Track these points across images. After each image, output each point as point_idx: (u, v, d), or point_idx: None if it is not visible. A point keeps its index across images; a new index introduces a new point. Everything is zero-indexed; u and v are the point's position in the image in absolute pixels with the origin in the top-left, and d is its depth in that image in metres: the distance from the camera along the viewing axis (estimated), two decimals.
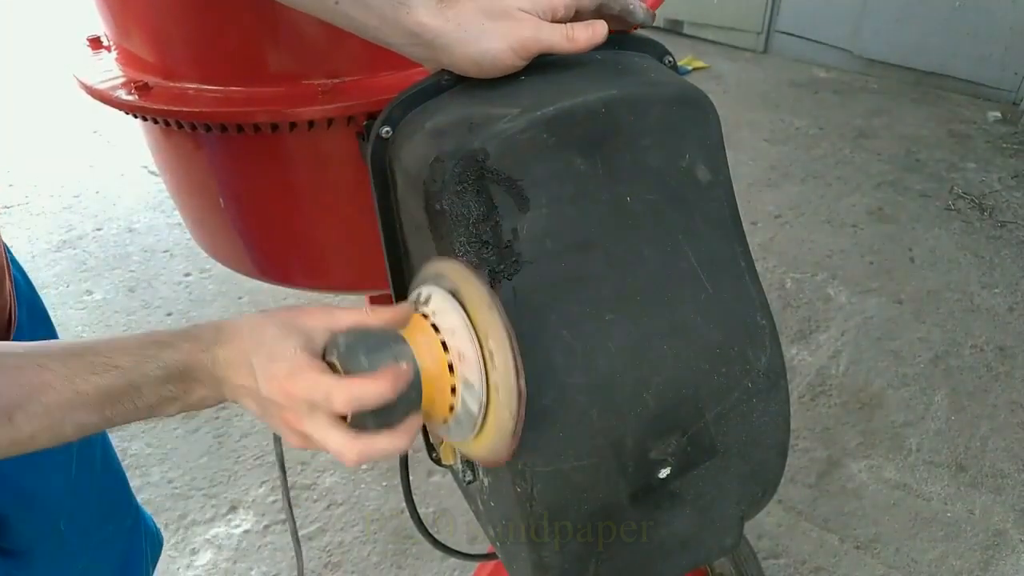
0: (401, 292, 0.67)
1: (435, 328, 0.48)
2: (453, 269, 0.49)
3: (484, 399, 0.47)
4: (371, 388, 0.45)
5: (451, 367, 0.47)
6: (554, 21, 0.56)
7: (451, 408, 0.49)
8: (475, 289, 0.47)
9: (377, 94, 0.69)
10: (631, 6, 0.60)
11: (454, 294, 0.48)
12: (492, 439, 0.48)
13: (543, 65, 0.58)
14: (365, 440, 0.47)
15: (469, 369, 0.47)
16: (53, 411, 0.47)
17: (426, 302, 0.50)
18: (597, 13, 0.59)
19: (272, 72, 0.72)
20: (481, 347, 0.46)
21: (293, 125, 0.70)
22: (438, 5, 0.54)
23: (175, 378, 0.49)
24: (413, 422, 0.48)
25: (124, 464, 1.69)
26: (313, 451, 0.57)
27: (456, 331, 0.47)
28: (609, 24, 0.58)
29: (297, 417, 0.48)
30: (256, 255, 0.90)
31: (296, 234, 0.84)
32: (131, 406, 0.49)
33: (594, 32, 0.57)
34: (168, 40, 0.76)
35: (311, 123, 0.69)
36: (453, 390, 0.48)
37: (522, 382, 0.45)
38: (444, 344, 0.48)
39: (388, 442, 0.48)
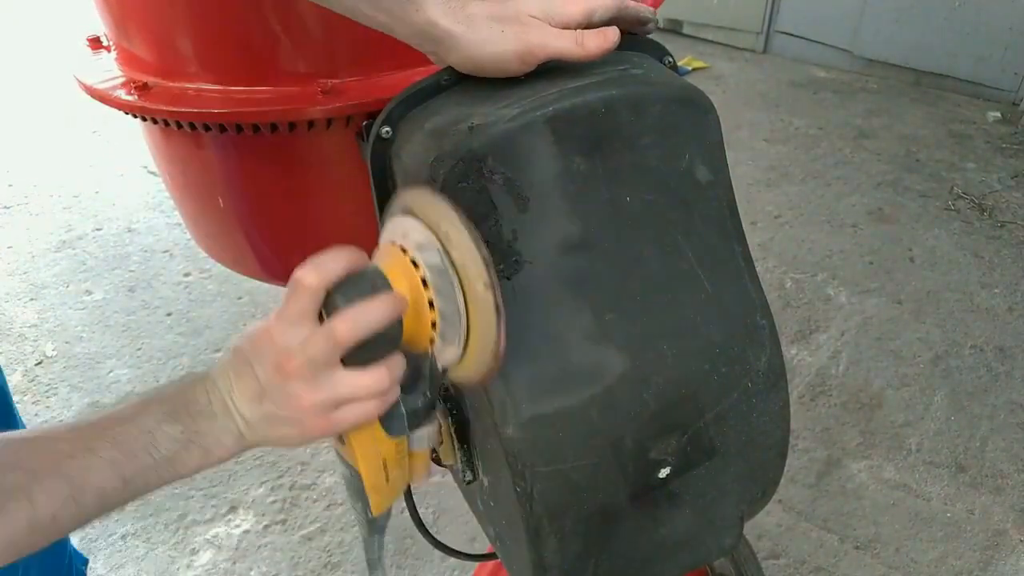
0: None
1: (403, 250, 0.50)
2: (421, 197, 0.50)
3: (464, 314, 0.48)
4: (347, 320, 0.47)
5: (424, 282, 0.49)
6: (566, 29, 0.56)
7: (433, 325, 0.50)
8: (440, 207, 0.48)
9: (377, 94, 0.69)
10: (644, 15, 0.60)
11: (420, 217, 0.49)
12: (478, 357, 0.49)
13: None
14: (374, 372, 0.49)
15: (444, 286, 0.48)
16: (72, 479, 0.45)
17: (396, 229, 0.51)
18: (609, 23, 0.58)
19: (272, 72, 0.72)
20: (453, 264, 0.47)
21: (293, 125, 0.70)
22: (449, 5, 0.54)
23: (180, 412, 0.48)
24: (397, 358, 0.50)
25: None
26: (328, 442, 0.57)
27: (425, 248, 0.49)
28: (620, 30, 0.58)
29: (306, 387, 0.48)
30: (255, 255, 0.90)
31: (294, 234, 0.84)
32: (148, 460, 0.47)
33: (606, 39, 0.56)
34: (168, 40, 0.76)
35: (311, 123, 0.69)
36: (432, 305, 0.50)
37: (498, 296, 0.46)
38: (415, 261, 0.50)
39: (389, 373, 0.49)
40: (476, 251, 0.46)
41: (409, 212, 0.50)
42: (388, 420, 0.53)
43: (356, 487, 0.56)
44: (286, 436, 0.51)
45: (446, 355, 0.51)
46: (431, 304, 0.49)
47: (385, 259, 0.51)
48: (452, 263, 0.47)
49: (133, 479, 0.47)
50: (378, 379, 0.49)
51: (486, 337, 0.48)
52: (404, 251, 0.50)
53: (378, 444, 0.54)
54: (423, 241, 0.49)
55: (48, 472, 0.44)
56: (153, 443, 0.47)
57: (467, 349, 0.49)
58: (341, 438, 0.54)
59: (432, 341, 0.51)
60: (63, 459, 0.44)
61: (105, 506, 0.47)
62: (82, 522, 0.46)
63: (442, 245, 0.48)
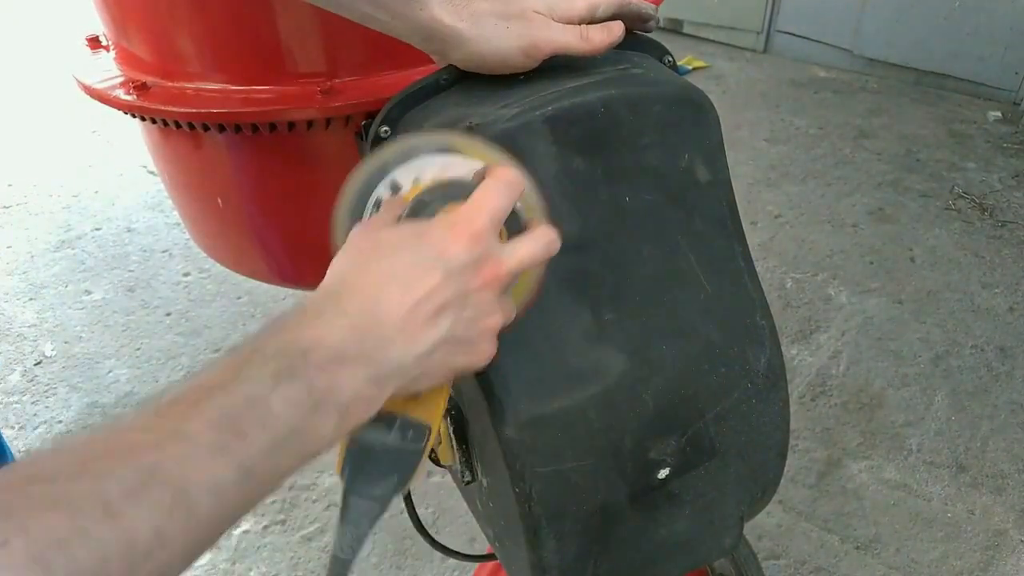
0: None
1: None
2: (455, 137, 0.49)
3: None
4: (545, 235, 0.45)
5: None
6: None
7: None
8: (481, 143, 0.48)
9: (376, 94, 0.68)
10: (646, 11, 0.60)
11: (466, 152, 0.48)
12: (524, 288, 0.49)
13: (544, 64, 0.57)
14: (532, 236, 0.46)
15: (510, 217, 0.47)
16: (168, 477, 0.31)
17: (442, 164, 0.49)
18: (612, 19, 0.58)
19: (271, 72, 0.72)
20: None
21: (292, 125, 0.69)
22: (452, 2, 0.54)
23: (298, 364, 0.35)
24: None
25: None
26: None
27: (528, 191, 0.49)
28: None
29: (500, 305, 0.43)
30: (254, 255, 0.90)
31: (294, 234, 0.84)
32: (265, 438, 0.34)
33: (610, 33, 0.57)
34: (167, 40, 0.76)
35: (310, 123, 0.69)
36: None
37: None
38: None
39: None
40: (527, 178, 0.47)
41: (450, 150, 0.48)
42: None
43: (403, 455, 0.45)
44: (452, 365, 0.42)
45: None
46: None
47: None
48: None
49: (255, 467, 0.33)
50: (512, 308, 0.47)
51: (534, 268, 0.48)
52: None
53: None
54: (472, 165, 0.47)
55: (131, 471, 0.30)
56: (268, 415, 0.34)
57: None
58: (414, 393, 0.45)
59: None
60: (144, 453, 0.31)
61: (226, 509, 0.33)
62: (202, 537, 0.32)
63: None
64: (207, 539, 0.33)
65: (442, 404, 0.48)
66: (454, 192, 0.45)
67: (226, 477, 0.32)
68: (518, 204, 0.47)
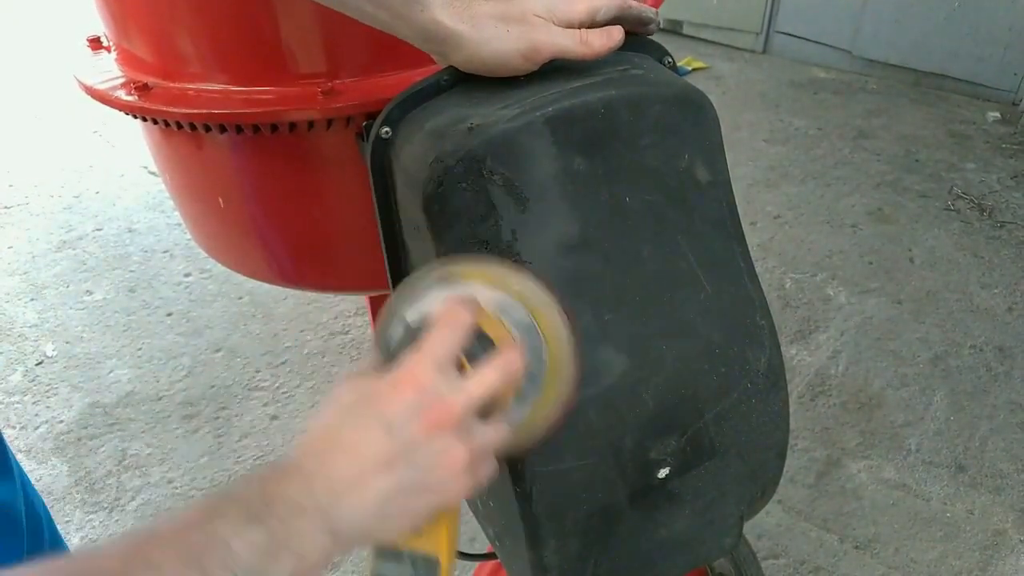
0: None
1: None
2: (469, 263, 0.49)
3: (545, 360, 0.47)
4: (501, 368, 0.44)
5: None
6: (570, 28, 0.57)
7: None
8: (497, 268, 0.48)
9: (377, 94, 0.69)
10: (646, 15, 0.60)
11: (475, 280, 0.48)
12: (544, 414, 0.49)
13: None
14: (498, 425, 0.46)
15: (534, 343, 0.47)
16: None
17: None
18: (612, 23, 0.59)
19: (272, 73, 0.72)
20: (537, 321, 0.47)
21: (293, 126, 0.70)
22: (453, 4, 0.54)
23: (262, 511, 0.38)
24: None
25: (124, 464, 1.69)
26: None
27: (508, 308, 0.47)
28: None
29: (461, 441, 0.42)
30: (255, 255, 0.90)
31: (295, 234, 0.84)
32: (226, 574, 0.36)
33: (610, 37, 0.57)
34: (168, 40, 0.76)
35: (311, 123, 0.69)
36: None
37: (571, 340, 0.47)
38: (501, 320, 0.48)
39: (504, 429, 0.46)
40: (552, 304, 0.46)
41: (455, 278, 0.48)
42: None
43: None
44: (416, 511, 0.43)
45: (513, 416, 0.49)
46: None
47: (488, 323, 0.48)
48: (536, 320, 0.47)
49: None
50: (502, 433, 0.46)
51: (560, 393, 0.48)
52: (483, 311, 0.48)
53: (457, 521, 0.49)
54: (502, 301, 0.47)
55: None
56: (231, 555, 0.36)
57: (535, 408, 0.49)
58: (417, 529, 0.46)
59: (510, 400, 0.49)
60: None
61: None
62: None
63: (523, 303, 0.46)
64: None
65: (445, 536, 0.47)
66: (486, 340, 0.46)
67: None
68: (500, 317, 0.47)
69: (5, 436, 0.82)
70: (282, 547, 0.38)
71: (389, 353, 0.48)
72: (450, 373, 0.44)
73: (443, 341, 0.44)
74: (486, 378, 0.44)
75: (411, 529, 0.45)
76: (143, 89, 0.74)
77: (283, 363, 1.96)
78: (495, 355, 0.45)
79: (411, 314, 0.48)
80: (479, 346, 0.46)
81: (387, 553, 0.47)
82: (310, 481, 0.40)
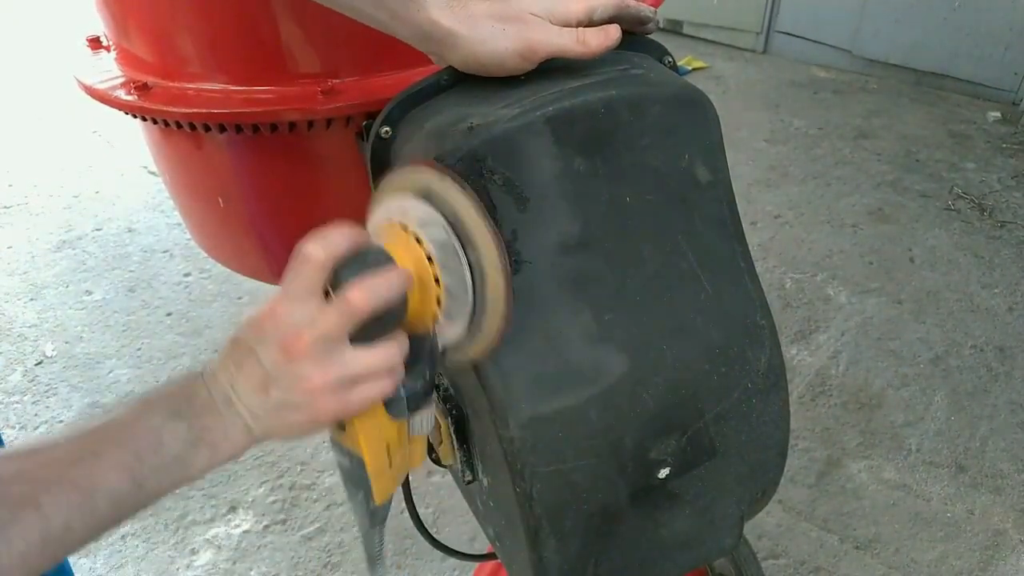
0: None
1: (403, 228, 0.50)
2: (416, 174, 0.50)
3: (471, 288, 0.48)
4: (362, 290, 0.46)
5: (430, 259, 0.49)
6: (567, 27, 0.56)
7: (438, 302, 0.50)
8: (440, 183, 0.48)
9: (376, 94, 0.69)
10: (645, 14, 0.60)
11: (419, 194, 0.49)
12: (483, 333, 0.50)
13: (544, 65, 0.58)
14: (384, 348, 0.48)
15: (451, 261, 0.48)
16: (81, 485, 0.42)
17: (392, 208, 0.52)
18: (610, 21, 0.58)
19: (272, 72, 0.72)
20: (459, 238, 0.48)
21: (293, 125, 0.70)
22: (450, 4, 0.54)
23: (184, 409, 0.46)
24: (401, 335, 0.50)
25: None
26: (325, 438, 0.52)
27: (428, 224, 0.49)
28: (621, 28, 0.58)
29: (317, 367, 0.47)
30: (255, 255, 0.90)
31: (295, 234, 0.84)
32: (157, 460, 0.45)
33: (607, 36, 0.57)
34: (168, 40, 0.76)
35: (311, 123, 0.69)
36: (437, 281, 0.50)
37: (508, 265, 0.47)
38: (418, 238, 0.50)
39: (398, 349, 0.49)
40: (483, 221, 0.47)
41: (404, 191, 0.50)
42: (389, 403, 0.52)
43: (357, 476, 0.54)
44: (295, 424, 0.49)
45: (448, 333, 0.51)
46: (436, 280, 0.49)
47: (385, 236, 0.51)
48: (459, 236, 0.48)
49: (144, 482, 0.44)
50: (389, 355, 0.49)
51: (494, 310, 0.48)
52: (404, 228, 0.50)
53: (381, 428, 0.53)
54: (425, 218, 0.49)
55: (55, 480, 0.42)
56: (160, 442, 0.45)
57: (472, 325, 0.50)
58: (342, 424, 0.52)
59: (435, 319, 0.51)
60: (68, 466, 0.42)
61: (120, 512, 0.44)
62: (97, 531, 0.44)
63: (447, 220, 0.48)
64: (100, 532, 0.44)
65: (362, 439, 0.52)
66: (370, 262, 0.47)
67: (122, 488, 0.44)
68: (419, 233, 0.49)
69: (5, 437, 0.82)
70: (200, 439, 0.46)
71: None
72: (309, 302, 0.47)
73: (297, 275, 0.47)
74: (345, 303, 0.46)
75: (319, 427, 0.50)
76: (143, 89, 0.74)
77: None
78: (370, 274, 0.47)
79: (376, 216, 0.51)
80: (376, 260, 0.48)
81: (333, 443, 0.55)
82: (221, 389, 0.48)
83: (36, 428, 1.79)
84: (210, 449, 0.47)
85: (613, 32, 0.57)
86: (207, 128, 0.72)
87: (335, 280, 0.47)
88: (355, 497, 0.56)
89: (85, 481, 0.42)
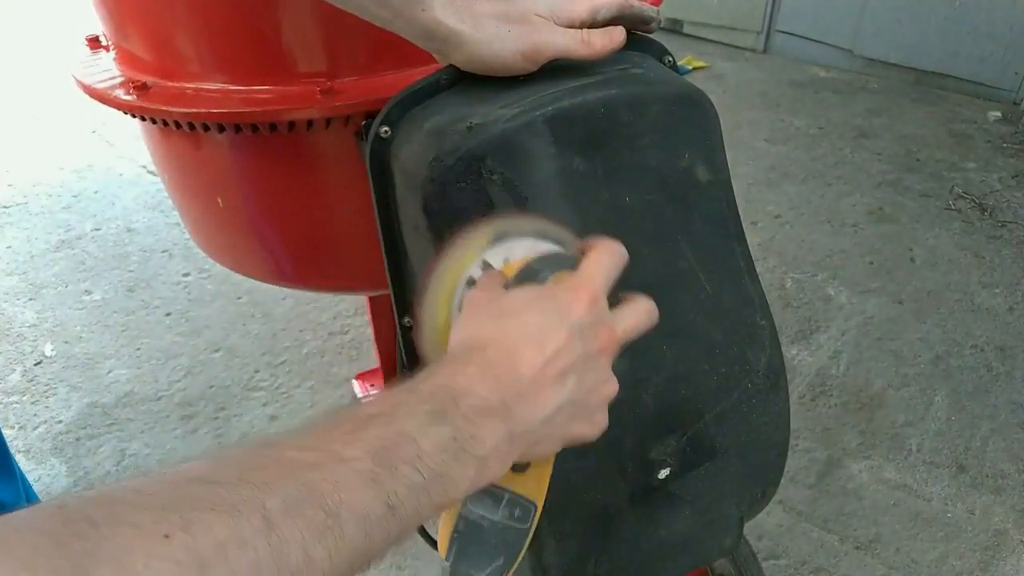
0: (400, 292, 0.67)
1: None
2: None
3: None
4: (642, 319, 0.46)
5: None
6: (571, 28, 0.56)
7: None
8: (547, 225, 0.49)
9: (376, 93, 0.68)
10: (647, 14, 0.60)
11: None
12: None
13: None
14: None
15: None
16: (323, 499, 0.30)
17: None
18: (614, 22, 0.58)
19: (271, 72, 0.72)
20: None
21: (292, 125, 0.69)
22: (455, 4, 0.54)
23: (449, 408, 0.35)
24: None
25: (123, 464, 1.69)
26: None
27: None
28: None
29: (606, 321, 0.42)
30: (254, 255, 0.89)
31: (294, 234, 0.84)
32: (416, 477, 0.33)
33: (611, 38, 0.57)
34: (167, 40, 0.76)
35: (310, 123, 0.69)
36: None
37: None
38: None
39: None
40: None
41: (543, 235, 0.49)
42: None
43: (509, 535, 0.43)
44: (566, 435, 0.41)
45: None
46: None
47: None
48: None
49: (399, 505, 0.32)
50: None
51: None
52: None
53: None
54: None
55: (289, 485, 0.29)
56: (419, 454, 0.33)
57: None
58: (522, 466, 0.43)
59: None
60: (304, 470, 0.30)
61: (369, 543, 0.31)
62: (342, 569, 0.30)
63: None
64: (344, 573, 0.31)
65: (546, 481, 0.45)
66: (561, 262, 0.45)
67: (374, 510, 0.31)
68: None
69: (5, 436, 0.82)
70: (465, 451, 0.35)
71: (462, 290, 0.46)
72: (604, 302, 0.42)
73: (610, 265, 0.43)
74: (633, 318, 0.43)
75: (541, 455, 0.41)
76: (142, 88, 0.74)
77: (282, 363, 1.96)
78: (632, 301, 0.44)
79: (492, 256, 0.47)
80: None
81: (484, 495, 0.43)
82: (498, 376, 0.37)
83: (35, 428, 1.79)
84: (477, 464, 0.36)
85: (617, 34, 0.57)
86: (206, 128, 0.72)
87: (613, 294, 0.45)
88: (485, 567, 0.44)
89: (330, 496, 0.30)
